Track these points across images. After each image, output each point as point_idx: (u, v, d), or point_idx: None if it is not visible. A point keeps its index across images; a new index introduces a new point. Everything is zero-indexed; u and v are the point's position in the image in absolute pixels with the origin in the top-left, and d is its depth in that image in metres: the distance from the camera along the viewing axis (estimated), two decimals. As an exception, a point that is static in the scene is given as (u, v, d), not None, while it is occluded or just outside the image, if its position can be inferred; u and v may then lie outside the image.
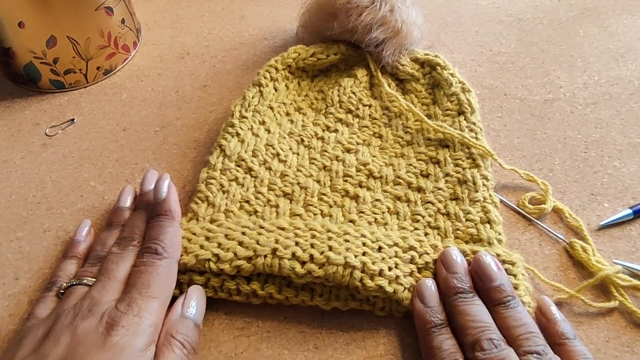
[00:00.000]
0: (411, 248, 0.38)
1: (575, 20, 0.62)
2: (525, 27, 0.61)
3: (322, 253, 0.36)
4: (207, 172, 0.43)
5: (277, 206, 0.42)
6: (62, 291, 0.36)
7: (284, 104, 0.49)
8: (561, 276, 0.40)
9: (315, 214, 0.41)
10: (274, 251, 0.36)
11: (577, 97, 0.53)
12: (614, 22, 0.61)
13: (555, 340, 0.34)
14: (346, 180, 0.44)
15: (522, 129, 0.50)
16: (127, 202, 0.43)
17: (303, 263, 0.36)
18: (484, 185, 0.42)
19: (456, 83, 0.49)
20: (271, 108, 0.48)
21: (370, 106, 0.50)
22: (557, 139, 0.49)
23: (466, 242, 0.39)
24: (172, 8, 0.67)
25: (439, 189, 0.43)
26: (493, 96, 0.53)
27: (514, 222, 0.43)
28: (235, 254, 0.36)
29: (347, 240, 0.37)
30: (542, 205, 0.43)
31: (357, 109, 0.49)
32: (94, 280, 0.36)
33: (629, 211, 0.42)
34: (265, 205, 0.42)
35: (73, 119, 0.53)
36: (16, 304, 0.39)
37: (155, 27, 0.64)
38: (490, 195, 0.42)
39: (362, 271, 0.35)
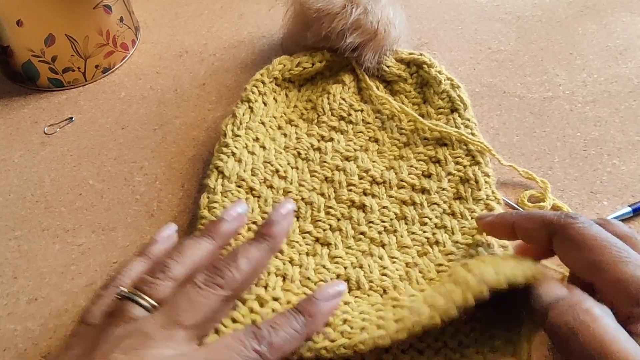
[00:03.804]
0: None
1: (574, 18, 0.62)
2: (524, 25, 0.61)
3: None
4: (208, 197, 0.41)
5: None
6: (118, 297, 0.32)
7: (275, 117, 0.48)
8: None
9: (324, 230, 0.40)
10: None
11: (576, 95, 0.53)
12: (613, 20, 0.61)
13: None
14: (350, 190, 0.43)
15: (521, 127, 0.50)
16: (231, 215, 0.38)
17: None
18: (485, 182, 0.42)
19: (445, 80, 0.48)
20: (263, 123, 0.47)
21: (362, 111, 0.49)
22: (556, 137, 0.49)
23: (472, 236, 0.39)
24: (171, 6, 0.67)
25: (443, 189, 0.42)
26: (492, 94, 0.53)
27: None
28: None
29: (362, 315, 0.34)
30: (542, 203, 0.43)
31: (349, 114, 0.48)
32: (155, 305, 0.31)
33: (629, 209, 0.42)
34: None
35: (71, 118, 0.53)
36: (15, 303, 0.39)
37: (154, 26, 0.64)
38: (493, 192, 0.42)
39: None
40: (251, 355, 0.29)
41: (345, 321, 0.34)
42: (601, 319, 0.27)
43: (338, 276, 0.38)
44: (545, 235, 0.32)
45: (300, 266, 0.38)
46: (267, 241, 0.36)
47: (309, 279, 0.37)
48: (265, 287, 0.36)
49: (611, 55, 0.57)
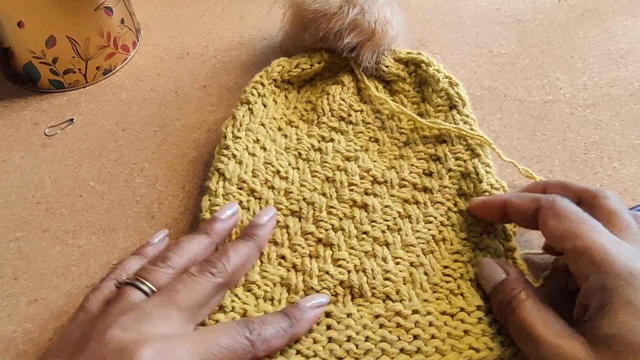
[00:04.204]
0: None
1: (575, 22, 0.62)
2: (525, 28, 0.61)
3: None
4: (210, 200, 0.41)
5: (287, 227, 0.41)
6: (118, 285, 0.35)
7: (275, 119, 0.48)
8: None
9: (326, 230, 0.40)
10: None
11: (577, 99, 0.53)
12: (614, 24, 0.61)
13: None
14: (352, 190, 0.43)
15: (521, 130, 0.50)
16: (225, 215, 0.40)
17: None
18: (487, 172, 0.42)
19: (443, 78, 0.48)
20: (263, 125, 0.47)
21: (361, 111, 0.49)
22: (556, 140, 0.49)
23: (480, 234, 0.40)
24: (172, 8, 0.67)
25: (445, 186, 0.43)
26: (493, 97, 0.53)
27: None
28: None
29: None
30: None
31: (349, 115, 0.48)
32: (154, 290, 0.34)
33: (629, 212, 0.42)
34: (274, 227, 0.41)
35: (72, 119, 0.53)
36: (15, 304, 0.39)
37: (155, 27, 0.64)
38: (497, 181, 0.42)
39: None
40: (243, 340, 0.32)
41: (349, 338, 0.35)
42: (524, 302, 0.32)
43: (341, 283, 0.38)
44: (533, 209, 0.35)
45: (304, 273, 0.38)
46: (254, 240, 0.38)
47: (312, 288, 0.37)
48: (272, 302, 0.37)
49: (612, 59, 0.57)
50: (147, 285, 0.34)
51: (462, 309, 0.35)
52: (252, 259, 0.38)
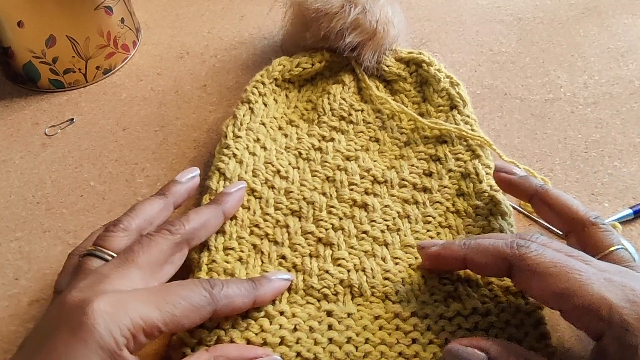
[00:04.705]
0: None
1: (575, 20, 0.62)
2: (525, 27, 0.61)
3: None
4: (210, 199, 0.41)
5: (287, 226, 0.41)
6: (80, 258, 0.34)
7: (275, 118, 0.48)
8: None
9: (326, 229, 0.40)
10: None
11: (578, 97, 0.53)
12: (615, 22, 0.61)
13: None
14: (352, 189, 0.43)
15: (522, 128, 0.50)
16: (185, 177, 0.40)
17: None
18: (487, 174, 0.42)
19: (444, 78, 0.48)
20: (263, 124, 0.47)
21: (362, 111, 0.49)
22: (557, 138, 0.49)
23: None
24: (172, 7, 0.67)
25: (445, 186, 0.43)
26: (493, 96, 0.53)
27: (515, 220, 0.43)
28: None
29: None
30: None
31: (350, 114, 0.48)
32: (113, 256, 0.33)
33: (630, 211, 0.42)
34: (275, 227, 0.40)
35: (72, 119, 0.53)
36: (16, 305, 0.39)
37: (155, 27, 0.64)
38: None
39: None
40: (202, 292, 0.31)
41: (349, 339, 0.35)
42: None
43: (341, 282, 0.38)
44: (503, 269, 0.32)
45: (304, 272, 0.38)
46: (218, 204, 0.38)
47: (312, 287, 0.37)
48: (272, 301, 0.36)
49: (612, 57, 0.57)
50: (104, 252, 0.33)
51: (458, 313, 0.35)
52: (214, 221, 0.38)
